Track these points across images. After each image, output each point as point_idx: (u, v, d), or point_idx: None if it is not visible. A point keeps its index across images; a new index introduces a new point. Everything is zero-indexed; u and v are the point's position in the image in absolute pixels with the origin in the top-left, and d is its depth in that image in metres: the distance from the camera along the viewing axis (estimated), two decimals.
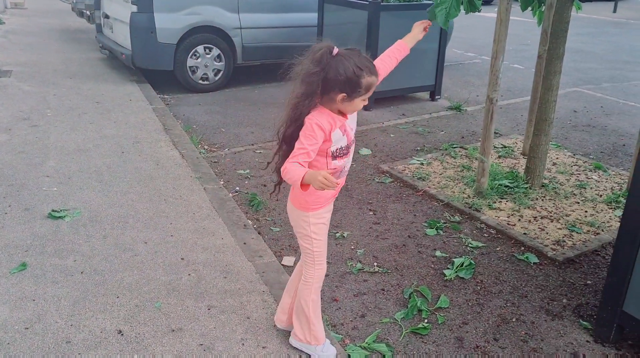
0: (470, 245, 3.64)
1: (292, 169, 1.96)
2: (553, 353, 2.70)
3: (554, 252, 3.54)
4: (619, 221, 2.67)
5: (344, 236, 3.69)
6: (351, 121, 2.17)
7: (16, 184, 4.06)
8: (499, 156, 5.10)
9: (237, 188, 4.37)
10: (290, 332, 2.61)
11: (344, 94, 2.00)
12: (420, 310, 2.96)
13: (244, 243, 3.46)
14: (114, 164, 4.53)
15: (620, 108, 6.99)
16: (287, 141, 2.08)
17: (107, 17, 7.68)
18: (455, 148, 5.29)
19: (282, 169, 2.00)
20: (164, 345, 2.55)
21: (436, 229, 3.81)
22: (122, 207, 3.83)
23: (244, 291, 2.97)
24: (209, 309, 2.81)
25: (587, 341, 2.79)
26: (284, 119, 2.07)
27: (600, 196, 4.35)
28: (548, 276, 3.33)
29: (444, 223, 3.92)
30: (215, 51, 7.05)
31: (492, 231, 3.83)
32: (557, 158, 5.10)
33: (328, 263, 3.36)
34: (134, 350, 2.51)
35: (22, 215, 3.64)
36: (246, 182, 4.51)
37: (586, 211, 4.09)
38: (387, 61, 2.37)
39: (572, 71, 8.95)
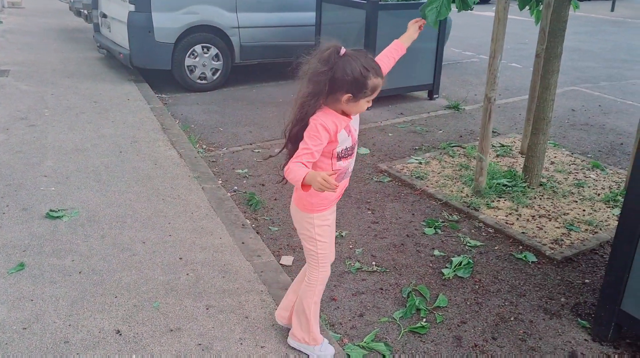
0: (468, 244, 3.64)
1: (295, 170, 1.95)
2: (551, 352, 2.70)
3: (552, 251, 3.55)
4: (617, 220, 2.68)
5: (342, 236, 3.69)
6: (354, 121, 2.17)
7: (14, 184, 4.06)
8: (497, 155, 5.10)
9: (235, 188, 4.37)
10: (289, 330, 2.60)
11: (350, 95, 2.00)
12: (418, 309, 2.96)
13: (242, 243, 3.46)
14: (111, 163, 4.52)
15: (618, 107, 7.00)
16: (292, 141, 2.08)
17: (104, 16, 7.67)
18: (453, 147, 5.29)
19: (285, 169, 2.00)
20: (163, 344, 2.55)
21: (434, 228, 3.81)
22: (120, 207, 3.82)
23: (242, 291, 2.97)
24: (207, 309, 2.81)
25: (585, 340, 2.79)
26: (291, 118, 2.06)
27: (598, 194, 4.35)
28: (546, 275, 3.33)
29: (442, 222, 3.92)
30: (213, 50, 7.04)
31: (491, 230, 3.83)
32: (555, 157, 5.10)
33: None
34: (132, 350, 2.50)
35: (20, 215, 3.64)
36: (244, 181, 4.50)
37: (584, 210, 4.10)
38: (385, 61, 2.37)
39: (570, 70, 8.96)
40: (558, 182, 4.55)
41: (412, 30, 2.52)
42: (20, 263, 3.09)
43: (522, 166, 4.57)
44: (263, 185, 4.43)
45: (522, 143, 5.14)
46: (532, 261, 3.47)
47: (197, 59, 6.98)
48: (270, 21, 7.36)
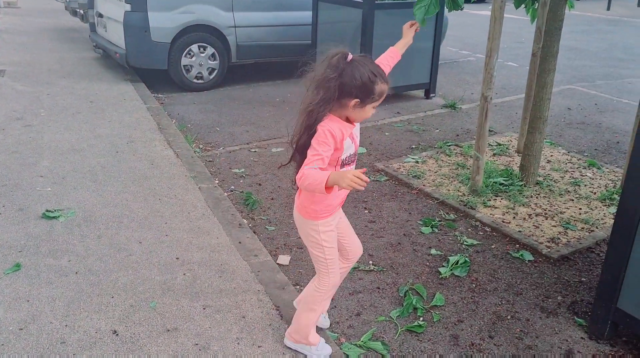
0: (465, 243, 3.64)
1: (312, 174, 1.91)
2: (548, 350, 2.71)
3: (549, 249, 3.55)
4: (613, 218, 2.68)
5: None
6: (356, 128, 2.17)
7: (10, 185, 4.04)
8: (494, 154, 5.11)
9: (232, 187, 4.37)
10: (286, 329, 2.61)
11: (358, 100, 2.00)
12: (415, 308, 2.97)
13: (239, 242, 3.46)
14: (108, 163, 4.51)
15: (614, 105, 7.02)
16: (300, 151, 2.05)
17: (100, 16, 7.65)
18: (450, 146, 5.30)
19: (298, 178, 1.94)
20: (159, 345, 2.54)
21: (431, 227, 3.82)
22: (117, 207, 3.82)
23: (239, 291, 2.97)
24: (204, 308, 2.80)
25: (582, 338, 2.80)
26: (298, 129, 2.03)
27: (595, 193, 4.36)
28: (543, 274, 3.34)
29: (439, 221, 3.92)
30: (210, 50, 7.03)
31: (487, 229, 3.84)
32: (552, 156, 5.11)
33: None
34: (129, 350, 2.50)
35: (16, 215, 3.63)
36: (241, 181, 4.50)
37: (580, 209, 4.11)
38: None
39: (566, 69, 8.97)
40: (554, 181, 4.56)
41: (410, 36, 2.57)
42: (16, 264, 3.09)
43: (518, 165, 4.57)
44: (260, 185, 4.43)
45: (518, 142, 5.15)
46: (528, 260, 3.47)
47: (193, 58, 6.97)
48: (266, 20, 7.35)
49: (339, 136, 2.02)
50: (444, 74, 8.26)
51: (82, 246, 3.32)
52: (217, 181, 4.44)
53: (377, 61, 2.39)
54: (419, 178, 4.55)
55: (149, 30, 6.62)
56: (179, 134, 5.30)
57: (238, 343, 2.58)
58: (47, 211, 3.67)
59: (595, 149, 5.45)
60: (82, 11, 8.87)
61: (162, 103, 6.51)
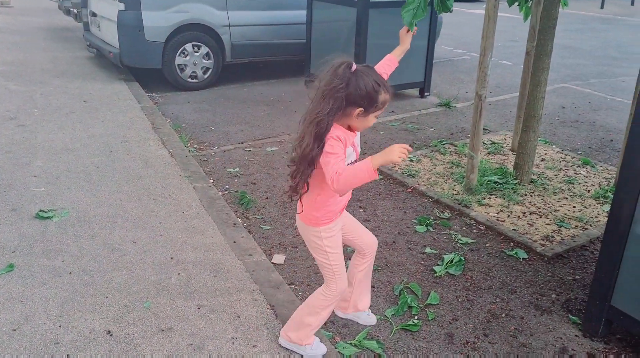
0: (460, 241, 3.65)
1: (348, 170, 1.93)
2: (542, 348, 2.71)
3: (543, 247, 3.56)
4: (607, 217, 2.69)
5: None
6: (357, 137, 2.20)
7: (3, 185, 4.02)
8: (488, 152, 5.12)
9: (227, 187, 4.36)
10: (345, 319, 2.70)
11: (362, 109, 2.02)
12: (410, 307, 2.97)
13: (234, 242, 3.45)
14: (102, 163, 4.49)
15: (608, 104, 7.04)
16: (310, 161, 2.03)
17: (94, 15, 7.62)
18: (444, 144, 5.30)
19: (333, 181, 1.93)
20: (154, 345, 2.54)
21: (426, 226, 3.82)
22: (111, 207, 3.80)
23: (233, 290, 2.96)
24: (198, 308, 2.80)
25: (576, 335, 2.81)
26: (308, 140, 1.99)
27: (589, 191, 4.38)
28: (537, 272, 3.35)
29: (434, 219, 3.92)
30: (204, 49, 7.01)
31: (482, 228, 3.84)
32: (546, 154, 5.13)
33: None
34: (123, 351, 2.49)
35: (9, 216, 3.61)
36: (236, 180, 4.49)
37: (574, 207, 4.12)
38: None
39: (560, 67, 9.00)
40: (548, 179, 4.57)
41: (407, 42, 2.61)
42: (9, 264, 3.07)
43: (513, 163, 4.59)
44: (254, 184, 4.42)
45: (513, 140, 5.16)
46: (523, 258, 3.48)
47: (187, 57, 6.95)
48: (261, 19, 7.34)
49: (343, 144, 2.05)
50: (439, 73, 8.27)
51: (76, 246, 3.31)
52: (212, 181, 4.43)
53: (375, 68, 2.40)
54: (413, 176, 4.56)
55: (143, 30, 6.60)
56: (173, 134, 5.28)
57: (233, 342, 2.57)
58: (40, 211, 3.65)
59: (589, 148, 5.47)
60: (75, 10, 8.83)
61: (156, 103, 6.49)
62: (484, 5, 3.98)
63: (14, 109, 5.71)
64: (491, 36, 3.90)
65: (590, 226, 3.85)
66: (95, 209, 3.75)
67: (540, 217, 3.96)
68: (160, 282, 3.00)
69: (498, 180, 4.40)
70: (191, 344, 2.55)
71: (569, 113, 6.59)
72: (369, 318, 2.80)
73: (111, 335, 2.59)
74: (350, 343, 2.68)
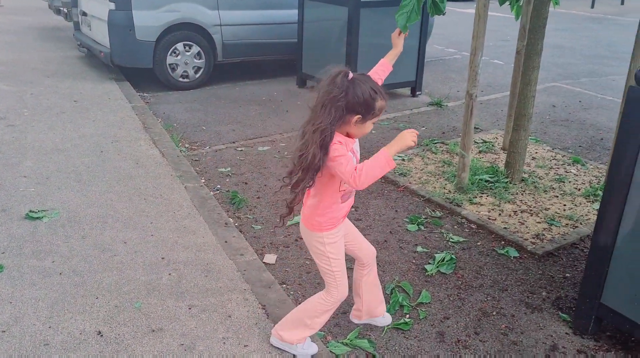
0: (451, 240, 3.66)
1: (365, 166, 2.00)
2: (533, 345, 2.73)
3: (534, 246, 3.58)
4: (597, 215, 2.70)
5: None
6: (356, 144, 2.24)
7: None
8: (480, 151, 5.13)
9: (218, 186, 4.35)
10: (366, 323, 2.73)
11: (359, 116, 2.07)
12: (402, 306, 2.97)
13: (225, 242, 3.44)
14: (92, 163, 4.47)
15: (598, 102, 7.08)
16: (316, 169, 2.05)
17: (84, 14, 7.58)
18: (436, 143, 5.31)
19: (354, 178, 2.00)
20: (144, 345, 2.53)
21: (417, 224, 3.83)
22: (101, 207, 3.78)
23: (225, 290, 2.96)
24: (189, 308, 2.79)
25: (566, 333, 2.82)
26: (314, 150, 2.01)
27: (579, 189, 4.40)
28: (528, 270, 3.36)
29: (425, 218, 3.93)
30: (195, 49, 6.99)
31: (473, 226, 3.86)
32: (537, 153, 5.15)
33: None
34: (114, 351, 2.48)
35: None
36: (227, 180, 4.48)
37: (565, 205, 4.14)
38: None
39: (551, 66, 9.04)
40: (539, 177, 4.59)
41: (400, 45, 2.63)
42: None
43: (504, 162, 4.60)
44: (246, 183, 4.42)
45: (504, 139, 5.18)
46: (514, 256, 3.49)
47: (179, 57, 6.93)
48: (252, 19, 7.32)
49: (345, 147, 2.10)
50: (430, 72, 8.28)
51: (66, 246, 3.29)
52: (203, 180, 4.42)
53: (369, 74, 2.43)
54: (405, 175, 4.56)
55: (134, 29, 6.57)
56: (165, 134, 5.26)
57: (224, 342, 2.57)
58: (30, 211, 3.63)
59: (580, 146, 5.50)
60: (65, 10, 8.78)
61: (147, 102, 6.47)
62: (475, 5, 3.99)
63: (4, 109, 5.67)
64: (482, 35, 3.91)
65: (581, 224, 3.87)
66: (86, 210, 3.73)
67: (531, 215, 3.97)
68: (151, 282, 2.99)
69: (489, 179, 4.41)
70: (182, 344, 2.54)
71: (559, 112, 6.62)
72: (384, 320, 2.81)
73: (102, 335, 2.58)
74: (342, 343, 2.68)
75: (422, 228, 3.81)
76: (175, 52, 6.89)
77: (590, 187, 4.41)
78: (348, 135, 2.15)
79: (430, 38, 8.63)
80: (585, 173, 4.74)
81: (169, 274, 3.07)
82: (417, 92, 7.08)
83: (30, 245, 3.28)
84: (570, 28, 13.82)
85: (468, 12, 15.25)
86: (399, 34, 2.67)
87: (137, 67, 6.94)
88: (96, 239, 3.39)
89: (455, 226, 3.85)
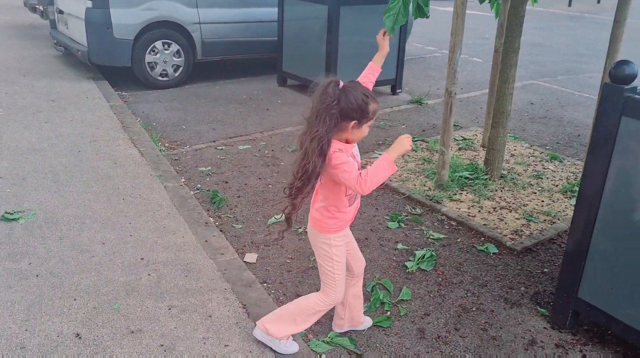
0: (431, 237, 3.68)
1: (370, 172, 2.09)
2: (511, 340, 2.75)
3: (513, 242, 3.62)
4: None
5: (306, 232, 3.68)
6: (355, 148, 2.30)
7: None
8: (459, 149, 5.17)
9: (199, 186, 4.32)
10: (348, 331, 2.72)
11: (355, 121, 2.14)
12: (382, 303, 2.98)
13: (206, 241, 3.42)
14: (70, 163, 4.41)
15: (575, 100, 7.18)
16: (316, 176, 2.13)
17: (61, 12, 7.48)
18: (416, 141, 5.34)
19: (360, 185, 2.08)
20: (123, 347, 2.50)
21: (398, 222, 3.84)
22: (79, 207, 3.74)
23: (205, 290, 2.94)
24: (169, 309, 2.77)
25: (544, 328, 2.85)
26: (312, 157, 2.08)
27: (556, 185, 4.46)
28: (507, 266, 3.40)
29: (406, 215, 3.95)
30: (174, 47, 6.94)
31: (453, 223, 3.88)
32: (515, 149, 5.20)
33: (290, 258, 3.37)
34: (92, 353, 2.45)
35: None
36: (207, 179, 4.45)
37: (543, 201, 4.19)
38: (366, 84, 2.47)
39: (529, 64, 9.14)
40: (518, 174, 4.64)
41: (385, 46, 2.68)
42: None
43: (483, 159, 4.64)
44: (226, 183, 4.39)
45: (483, 136, 5.22)
46: (493, 253, 3.53)
47: (157, 55, 6.86)
48: (232, 17, 7.29)
49: (345, 154, 2.17)
50: (410, 70, 8.32)
51: (43, 248, 3.24)
52: (183, 180, 4.38)
53: (360, 79, 2.52)
54: None
55: (112, 27, 6.50)
56: (144, 133, 5.21)
57: (204, 343, 2.55)
58: (6, 213, 3.57)
59: (557, 143, 5.57)
60: (41, 7, 8.66)
61: (125, 101, 6.40)
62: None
63: None
64: (460, 33, 3.93)
65: (558, 220, 3.92)
66: (63, 210, 3.68)
67: (510, 212, 4.01)
68: (130, 283, 2.96)
69: (469, 176, 4.44)
70: (162, 345, 2.52)
71: (537, 109, 6.70)
72: (366, 324, 2.81)
73: (80, 337, 2.54)
74: (323, 341, 2.68)
75: (403, 225, 3.83)
76: (154, 51, 6.82)
77: (568, 183, 4.47)
78: (347, 141, 2.22)
79: (410, 36, 8.68)
80: (562, 169, 4.80)
81: (148, 274, 3.05)
82: (398, 90, 7.11)
83: (6, 247, 3.23)
84: (548, 26, 13.99)
85: (448, 10, 15.34)
86: (384, 36, 2.70)
87: (115, 66, 6.86)
88: (74, 240, 3.35)
89: (436, 223, 3.88)
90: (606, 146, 2.44)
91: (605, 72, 4.12)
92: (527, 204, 4.12)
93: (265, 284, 3.11)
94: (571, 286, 2.71)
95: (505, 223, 3.85)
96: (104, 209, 3.73)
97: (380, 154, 4.84)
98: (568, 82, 8.08)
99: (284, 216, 2.27)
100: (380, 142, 5.37)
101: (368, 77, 2.55)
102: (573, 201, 4.16)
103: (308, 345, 2.63)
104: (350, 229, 3.67)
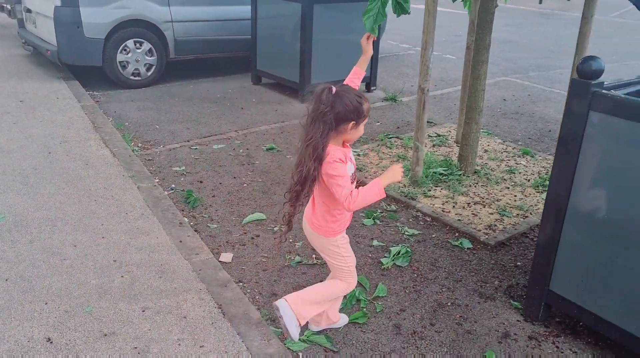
0: (406, 233, 3.70)
1: (360, 193, 2.18)
2: (486, 333, 2.78)
3: (487, 236, 3.66)
4: None
5: (282, 230, 3.67)
6: (350, 151, 2.40)
7: None
8: (434, 145, 5.21)
9: (173, 186, 4.28)
10: (324, 328, 2.73)
11: (353, 122, 2.25)
12: (358, 300, 2.99)
13: (180, 241, 3.39)
14: (40, 165, 4.33)
15: (546, 95, 7.29)
16: (312, 180, 2.24)
17: (29, 11, 7.33)
18: (391, 138, 5.36)
19: (348, 201, 2.17)
20: (96, 350, 2.46)
21: (373, 219, 3.86)
22: (50, 210, 3.67)
23: (180, 291, 2.91)
24: (143, 311, 2.73)
25: (518, 320, 2.89)
26: (308, 162, 2.20)
27: (529, 180, 4.52)
28: (481, 260, 3.43)
29: (381, 212, 3.97)
30: (147, 45, 6.85)
31: (428, 219, 3.91)
32: (489, 145, 5.26)
33: (266, 257, 3.36)
34: None
35: None
36: (182, 179, 4.41)
37: (516, 196, 4.24)
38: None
39: (502, 61, 9.25)
40: (491, 169, 4.69)
41: (369, 50, 2.76)
42: None
43: (457, 155, 4.68)
44: (201, 182, 4.36)
45: (457, 133, 5.27)
46: (467, 248, 3.56)
47: (129, 54, 6.77)
48: (205, 15, 7.22)
49: (344, 161, 2.27)
50: (385, 68, 8.36)
51: (13, 252, 3.17)
52: (157, 180, 4.33)
53: (346, 82, 2.58)
54: (360, 170, 4.59)
55: (82, 26, 6.38)
56: (116, 133, 5.14)
57: (179, 344, 2.52)
58: None
59: (529, 138, 5.65)
60: (8, 6, 8.46)
61: (97, 101, 6.30)
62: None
63: None
64: (432, 30, 3.96)
65: (531, 214, 3.98)
66: (34, 213, 3.61)
67: (484, 207, 4.06)
68: (102, 286, 2.91)
69: (443, 172, 4.48)
70: (135, 348, 2.49)
71: (509, 105, 6.79)
72: (342, 321, 2.82)
73: (51, 342, 2.50)
74: (299, 339, 2.67)
75: (378, 222, 3.84)
76: (125, 50, 6.73)
77: (539, 178, 4.54)
78: (345, 142, 2.33)
79: (384, 34, 8.71)
80: (534, 164, 4.88)
81: (122, 276, 3.00)
82: (372, 88, 7.13)
83: None
84: (519, 23, 14.18)
85: (422, 8, 15.44)
86: (368, 39, 2.77)
87: (86, 66, 6.75)
88: (44, 243, 3.28)
89: (410, 220, 3.90)
90: (574, 140, 2.48)
91: (574, 68, 4.19)
92: (500, 199, 4.17)
93: (240, 283, 3.09)
94: (543, 279, 2.75)
95: (479, 218, 3.89)
96: (76, 211, 3.67)
97: (356, 153, 4.87)
98: (539, 79, 8.20)
99: (284, 219, 2.39)
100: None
101: (353, 80, 2.65)
102: (545, 196, 4.20)
103: (284, 344, 2.62)
104: None
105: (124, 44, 6.69)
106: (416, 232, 3.72)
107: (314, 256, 3.40)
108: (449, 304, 3.01)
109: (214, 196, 4.14)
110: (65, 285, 2.90)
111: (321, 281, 3.13)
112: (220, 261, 3.27)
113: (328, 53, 6.38)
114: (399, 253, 3.43)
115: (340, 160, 2.23)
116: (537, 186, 4.39)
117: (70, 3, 6.31)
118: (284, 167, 4.69)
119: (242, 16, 7.37)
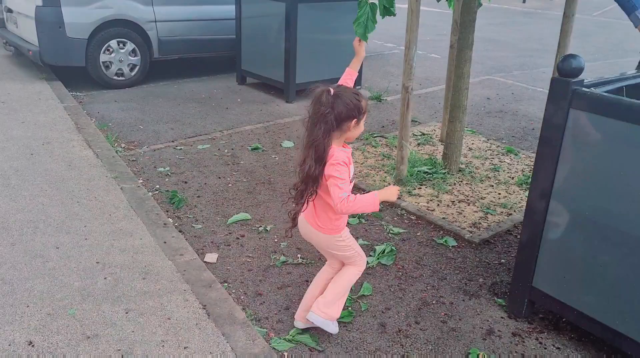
0: (391, 232, 3.71)
1: (359, 199, 2.26)
2: (470, 331, 2.80)
3: (471, 234, 3.68)
4: None
5: (267, 230, 3.67)
6: (351, 151, 2.46)
7: None
8: (419, 144, 5.23)
9: (157, 186, 4.25)
10: (307, 327, 2.75)
11: (355, 119, 2.32)
12: None
13: (164, 242, 3.37)
14: (22, 167, 4.28)
15: (529, 94, 7.35)
16: (314, 180, 2.31)
17: (10, 11, 7.24)
18: (375, 137, 5.38)
19: (342, 203, 2.24)
20: (79, 353, 2.44)
21: (358, 218, 3.86)
22: (32, 212, 3.62)
23: (164, 292, 2.89)
24: (126, 313, 2.71)
25: (502, 317, 2.91)
26: (310, 162, 2.27)
27: (512, 178, 4.55)
28: (465, 258, 3.45)
29: None
30: (130, 45, 6.80)
31: (412, 217, 3.92)
32: (473, 144, 5.29)
33: (251, 257, 3.35)
34: None
35: None
36: (166, 180, 4.38)
37: (499, 194, 4.27)
38: None
39: (485, 60, 9.31)
40: (476, 167, 4.72)
41: (361, 52, 2.84)
42: None
43: (442, 154, 4.70)
44: (185, 183, 4.33)
45: (441, 131, 5.29)
46: (452, 246, 3.58)
47: (112, 54, 6.72)
48: (189, 15, 7.18)
49: (347, 164, 2.33)
50: (369, 67, 8.37)
51: None
52: (141, 181, 4.30)
53: (339, 83, 2.62)
54: None
55: (64, 26, 6.32)
56: (99, 134, 5.09)
57: (163, 345, 2.51)
58: None
59: (513, 136, 5.69)
60: None
61: (80, 102, 6.24)
62: None
63: None
64: (415, 29, 3.98)
65: (515, 211, 4.01)
66: (15, 215, 3.57)
67: (468, 205, 4.08)
68: (85, 288, 2.89)
69: (428, 170, 4.50)
70: (119, 350, 2.47)
71: (493, 104, 6.83)
72: (334, 327, 2.82)
73: (33, 345, 2.47)
74: (285, 339, 2.67)
75: (363, 220, 3.85)
76: (108, 50, 6.67)
77: (523, 175, 4.57)
78: (346, 141, 2.39)
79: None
80: (518, 162, 4.91)
81: (105, 278, 2.98)
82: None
83: None
84: (503, 22, 14.29)
85: (406, 7, 15.50)
86: (360, 42, 2.85)
87: (69, 66, 6.68)
88: (26, 245, 3.24)
89: (395, 218, 3.91)
90: (555, 138, 2.51)
91: (555, 67, 4.22)
92: (484, 197, 4.20)
93: (225, 284, 3.08)
94: (526, 276, 2.77)
95: (464, 216, 3.91)
96: (58, 213, 3.63)
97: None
98: (522, 77, 8.27)
99: (289, 216, 2.49)
100: None
101: (347, 81, 2.70)
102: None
103: (270, 344, 2.62)
104: None
105: (107, 44, 6.63)
106: (401, 230, 3.73)
107: (299, 256, 3.40)
108: (433, 302, 3.02)
109: (198, 196, 4.12)
110: (48, 288, 2.87)
111: (307, 280, 3.14)
112: (205, 262, 3.26)
113: (313, 52, 6.38)
114: (383, 251, 3.44)
115: (344, 163, 2.29)
116: (521, 184, 4.42)
117: (51, 3, 6.24)
118: (268, 167, 4.68)
119: (227, 16, 7.34)
